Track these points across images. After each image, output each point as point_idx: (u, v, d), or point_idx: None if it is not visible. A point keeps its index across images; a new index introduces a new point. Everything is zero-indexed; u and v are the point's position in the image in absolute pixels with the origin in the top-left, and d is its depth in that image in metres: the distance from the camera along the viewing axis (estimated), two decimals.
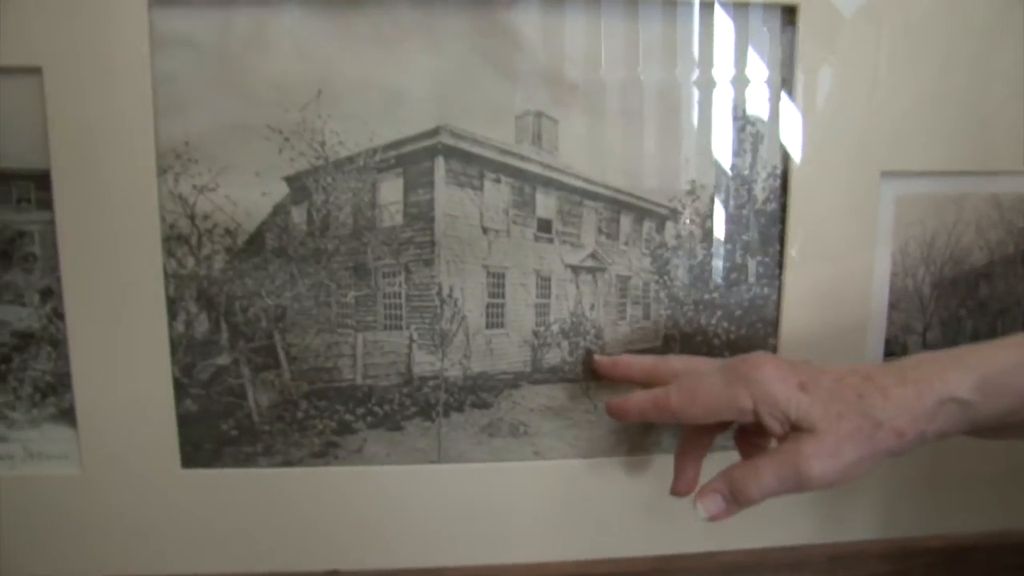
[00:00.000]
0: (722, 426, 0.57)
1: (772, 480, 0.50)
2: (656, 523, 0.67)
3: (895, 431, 0.48)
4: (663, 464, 0.63)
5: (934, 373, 0.48)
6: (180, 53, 0.57)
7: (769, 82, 0.62)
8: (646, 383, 0.59)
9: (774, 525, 0.67)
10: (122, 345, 0.60)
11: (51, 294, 0.60)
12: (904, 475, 0.68)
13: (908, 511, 0.70)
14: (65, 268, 0.59)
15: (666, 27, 0.60)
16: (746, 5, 0.61)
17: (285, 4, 0.58)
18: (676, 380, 0.55)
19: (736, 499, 0.52)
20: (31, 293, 0.61)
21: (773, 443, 0.52)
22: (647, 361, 0.60)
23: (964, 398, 0.47)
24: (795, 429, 0.50)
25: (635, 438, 0.66)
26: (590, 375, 0.64)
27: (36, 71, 0.56)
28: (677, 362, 0.59)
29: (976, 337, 0.68)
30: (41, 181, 0.58)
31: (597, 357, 0.64)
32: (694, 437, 0.60)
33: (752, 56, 0.62)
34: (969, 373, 0.47)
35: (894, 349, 0.67)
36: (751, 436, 0.58)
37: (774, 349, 0.65)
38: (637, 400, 0.57)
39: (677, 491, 0.60)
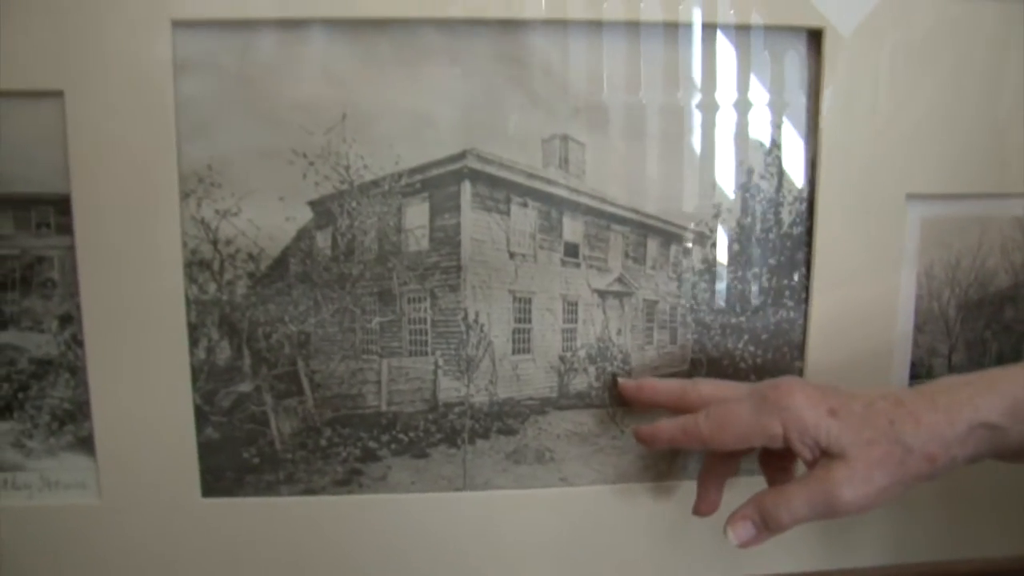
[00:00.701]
0: (748, 450, 0.56)
1: (803, 506, 0.49)
2: (682, 550, 0.66)
3: (926, 457, 0.47)
4: (690, 490, 0.62)
5: (965, 398, 0.47)
6: (203, 76, 0.57)
7: (796, 106, 0.62)
8: (673, 408, 0.58)
9: (807, 549, 0.67)
10: (142, 372, 0.59)
11: (70, 320, 0.59)
12: (919, 498, 0.67)
13: (921, 535, 0.69)
14: (85, 294, 0.58)
15: (696, 52, 0.60)
16: (774, 29, 0.60)
17: (309, 27, 0.57)
18: (704, 407, 0.55)
19: (767, 525, 0.51)
20: (50, 319, 0.60)
21: (800, 466, 0.52)
22: (674, 386, 0.59)
23: (995, 423, 0.47)
24: (825, 455, 0.49)
25: (661, 464, 0.65)
26: (616, 399, 0.63)
27: (58, 94, 0.56)
28: (705, 387, 0.58)
29: (1002, 359, 0.68)
30: (61, 206, 0.57)
31: (622, 381, 0.63)
32: (718, 460, 0.60)
33: (780, 80, 0.61)
34: (1000, 398, 0.47)
35: (920, 372, 0.66)
36: (777, 460, 0.58)
37: (800, 372, 0.64)
38: (667, 427, 0.56)
39: (699, 511, 0.60)
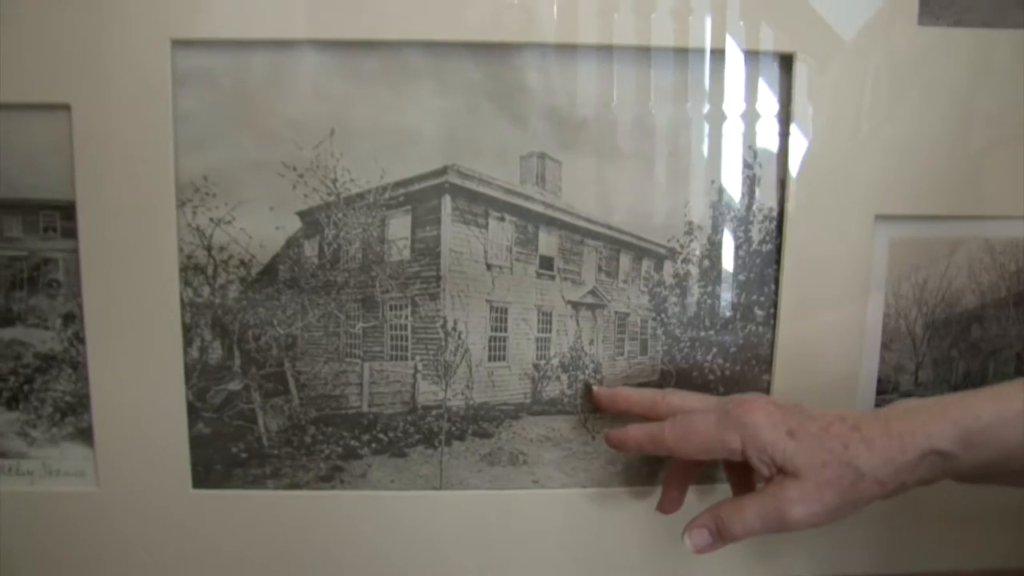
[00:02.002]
0: (711, 460, 0.58)
1: (755, 520, 0.51)
2: (650, 552, 0.67)
3: (877, 481, 0.49)
4: (658, 496, 0.64)
5: (918, 425, 0.48)
6: (200, 92, 0.59)
7: (766, 128, 0.63)
8: (644, 417, 0.59)
9: (773, 557, 0.68)
10: (139, 369, 0.61)
11: (73, 319, 0.62)
12: (904, 509, 0.68)
13: (909, 544, 0.70)
14: (87, 294, 0.60)
15: (672, 72, 0.61)
16: (744, 53, 0.61)
17: (301, 47, 0.59)
18: (671, 416, 0.56)
19: (721, 534, 0.53)
20: (54, 317, 0.62)
21: (759, 480, 0.53)
22: (645, 395, 0.61)
23: (946, 450, 0.47)
24: (781, 472, 0.50)
25: (631, 470, 0.66)
26: (589, 407, 0.65)
27: (65, 107, 0.58)
28: (674, 398, 0.59)
29: (968, 377, 0.68)
30: (67, 211, 0.60)
31: (596, 389, 0.64)
32: (682, 465, 0.62)
33: (750, 102, 0.62)
34: (952, 426, 0.48)
35: (886, 387, 0.67)
36: (739, 469, 0.58)
37: (768, 386, 0.65)
38: (634, 433, 0.58)
39: (663, 509, 0.63)
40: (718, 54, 0.61)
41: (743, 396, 0.55)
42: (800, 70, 0.61)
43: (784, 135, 0.63)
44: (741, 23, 0.60)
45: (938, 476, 0.49)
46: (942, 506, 0.67)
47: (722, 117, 0.62)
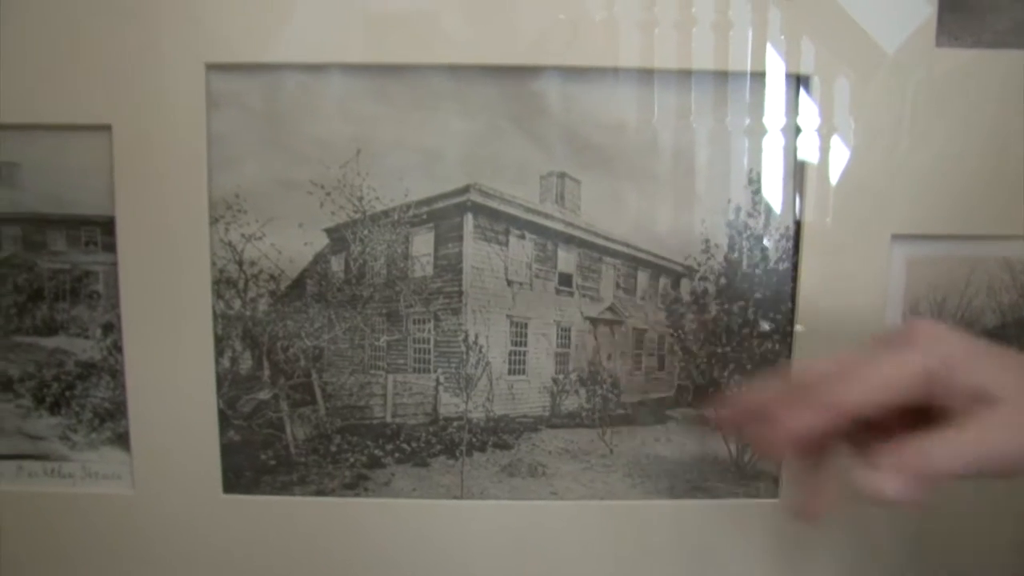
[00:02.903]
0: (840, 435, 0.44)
1: (964, 450, 0.40)
2: (666, 563, 0.67)
3: None
4: (675, 509, 0.64)
5: None
6: (233, 113, 0.61)
7: (783, 147, 0.63)
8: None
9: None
10: (173, 377, 0.63)
11: (112, 329, 0.64)
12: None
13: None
14: (125, 306, 0.62)
15: (681, 95, 0.62)
16: (761, 74, 0.62)
17: (329, 70, 0.60)
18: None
19: (921, 474, 0.40)
20: (94, 327, 0.64)
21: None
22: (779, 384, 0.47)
23: None
24: (979, 400, 0.40)
25: (648, 483, 0.67)
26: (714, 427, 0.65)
27: (106, 128, 0.60)
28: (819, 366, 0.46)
29: None
30: (107, 227, 0.62)
31: (718, 412, 0.58)
32: (810, 450, 0.45)
33: (766, 122, 0.63)
34: None
35: None
36: (877, 434, 0.44)
37: None
38: (760, 399, 0.46)
39: (806, 513, 0.47)
40: (731, 75, 0.62)
41: (911, 322, 0.46)
42: (816, 91, 0.62)
43: (800, 156, 0.63)
44: (752, 46, 0.61)
45: None
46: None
47: (737, 137, 0.63)
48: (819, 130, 0.62)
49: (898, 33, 0.61)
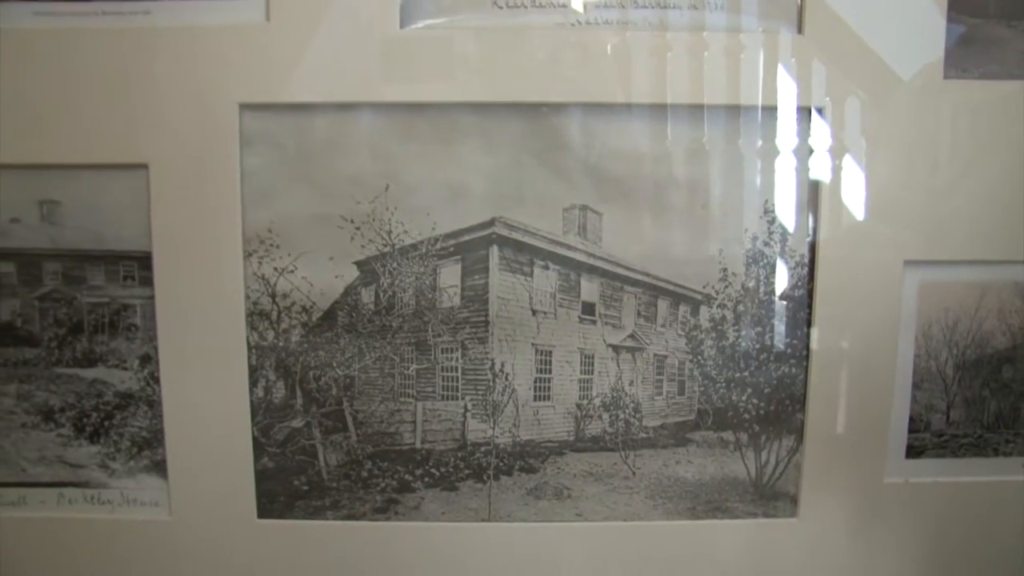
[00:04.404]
0: None
1: None
2: None
3: None
4: (696, 529, 0.65)
5: None
6: (265, 151, 0.62)
7: (796, 178, 0.64)
8: None
9: None
10: (209, 407, 0.64)
11: (149, 360, 0.65)
12: None
13: None
14: (162, 338, 0.63)
15: (695, 128, 0.62)
16: (773, 108, 0.62)
17: (358, 108, 0.61)
18: None
19: None
20: (132, 359, 0.65)
21: None
22: None
23: None
24: None
25: (669, 504, 0.67)
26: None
27: (143, 167, 0.61)
28: None
29: (1000, 416, 0.68)
30: (144, 262, 0.63)
31: None
32: None
33: (780, 153, 0.63)
34: None
35: (918, 426, 0.67)
36: None
37: (802, 424, 0.66)
38: None
39: None
40: (746, 109, 0.63)
41: None
42: (829, 121, 0.62)
43: (813, 185, 0.64)
44: (766, 80, 0.62)
45: None
46: None
47: (752, 169, 0.63)
48: (832, 159, 0.63)
49: (909, 64, 0.62)
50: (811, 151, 0.63)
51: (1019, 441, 0.68)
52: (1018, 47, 0.63)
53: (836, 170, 0.63)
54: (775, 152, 0.63)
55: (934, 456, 0.68)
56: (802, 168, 0.64)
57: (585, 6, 0.62)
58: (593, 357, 0.66)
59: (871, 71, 0.62)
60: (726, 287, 0.65)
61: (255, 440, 0.65)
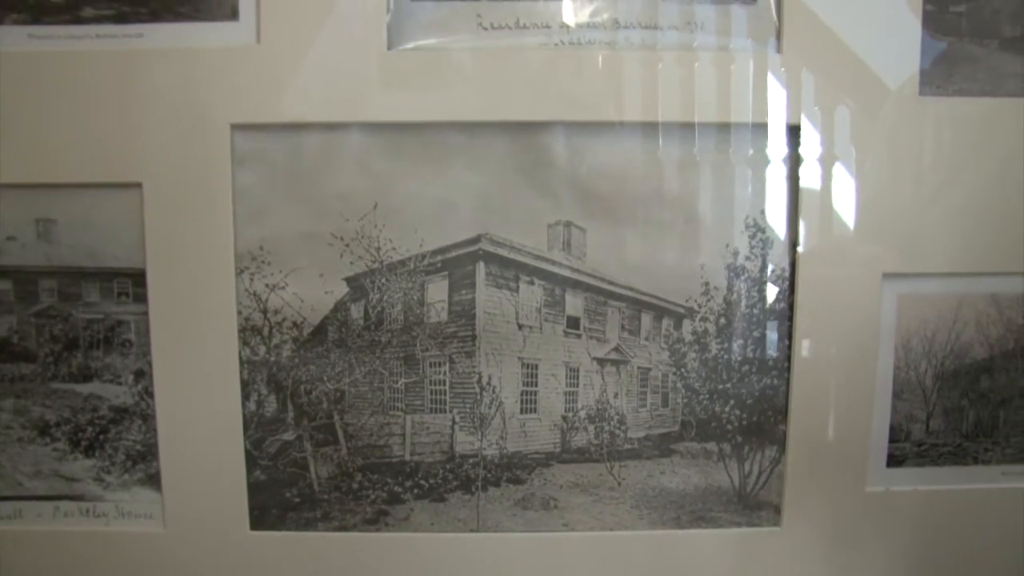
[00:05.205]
0: None
1: None
2: None
3: None
4: (681, 539, 0.66)
5: None
6: (256, 170, 0.63)
7: (777, 194, 0.64)
8: None
9: None
10: (202, 421, 0.65)
11: (143, 375, 0.65)
12: None
13: None
14: (156, 353, 0.64)
15: (683, 146, 0.63)
16: (755, 125, 0.63)
17: (347, 128, 0.62)
18: None
19: None
20: (127, 374, 0.66)
21: None
22: None
23: None
24: None
25: (654, 514, 0.68)
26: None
27: (137, 186, 0.62)
28: None
29: (979, 425, 0.69)
30: (138, 278, 0.64)
31: None
32: None
33: (760, 169, 0.64)
34: None
35: (898, 436, 0.68)
36: None
37: (784, 435, 0.67)
38: None
39: None
40: (728, 127, 0.64)
41: None
42: (805, 140, 0.63)
43: (793, 201, 0.64)
44: (745, 97, 0.63)
45: None
46: None
47: (733, 185, 0.64)
48: (810, 176, 0.64)
49: (885, 82, 0.63)
50: (791, 167, 0.64)
51: (997, 449, 0.69)
52: (990, 65, 0.64)
53: (814, 186, 0.64)
54: (755, 168, 0.64)
55: (915, 465, 0.69)
56: (782, 184, 0.65)
57: (567, 27, 0.63)
58: (578, 370, 0.66)
59: (847, 89, 0.63)
60: (708, 300, 0.65)
61: (247, 453, 0.66)
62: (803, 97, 0.63)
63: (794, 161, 0.64)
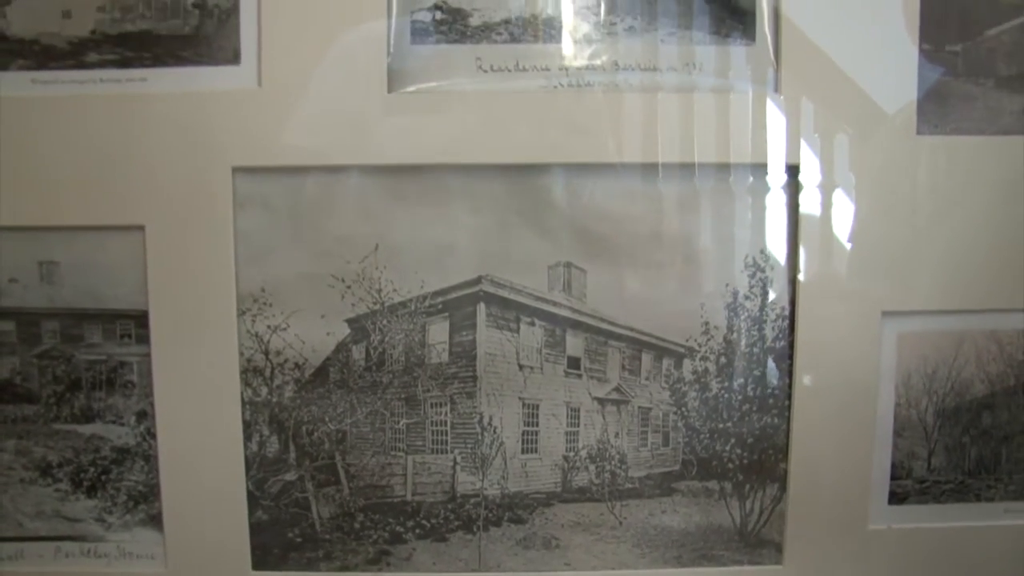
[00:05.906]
0: None
1: None
2: None
3: None
4: None
5: None
6: (258, 213, 0.63)
7: (777, 234, 0.64)
8: None
9: None
10: (204, 461, 0.65)
11: (145, 416, 0.65)
12: None
13: None
14: (158, 394, 0.64)
15: (682, 186, 0.63)
16: (754, 165, 0.63)
17: (348, 171, 0.62)
18: None
19: None
20: (129, 415, 0.66)
21: None
22: None
23: None
24: None
25: (656, 553, 0.67)
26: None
27: (140, 228, 0.62)
28: None
29: (981, 462, 0.69)
30: (140, 320, 0.63)
31: None
32: None
33: (760, 210, 0.64)
34: None
35: (900, 473, 0.68)
36: None
37: (785, 473, 0.66)
38: None
39: None
40: (726, 168, 0.64)
41: None
42: (805, 179, 0.63)
43: (793, 240, 0.64)
44: (744, 137, 0.63)
45: None
46: None
47: (733, 224, 0.64)
48: (809, 217, 0.64)
49: (881, 123, 0.63)
50: (790, 206, 0.64)
51: (1000, 486, 0.69)
52: (987, 104, 0.64)
53: (813, 225, 0.64)
54: (755, 207, 0.64)
55: (917, 502, 0.68)
56: (781, 222, 0.65)
57: (567, 69, 0.63)
58: (579, 410, 0.66)
59: (845, 129, 0.63)
60: (708, 340, 0.65)
61: (249, 493, 0.65)
62: (801, 136, 0.63)
63: (793, 200, 0.64)
